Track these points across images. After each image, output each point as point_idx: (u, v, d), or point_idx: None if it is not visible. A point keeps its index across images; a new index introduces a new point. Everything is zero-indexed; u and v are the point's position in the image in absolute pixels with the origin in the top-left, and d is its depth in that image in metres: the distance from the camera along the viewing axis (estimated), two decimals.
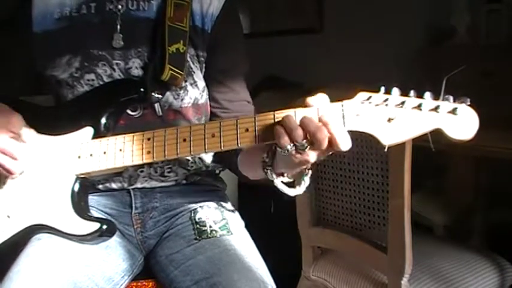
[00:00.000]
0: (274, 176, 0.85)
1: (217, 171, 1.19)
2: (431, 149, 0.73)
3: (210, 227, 1.05)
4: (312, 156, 0.77)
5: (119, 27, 1.03)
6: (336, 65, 3.15)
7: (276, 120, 0.79)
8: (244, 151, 1.01)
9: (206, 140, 0.84)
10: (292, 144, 0.76)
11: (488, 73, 2.37)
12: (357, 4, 3.17)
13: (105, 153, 0.93)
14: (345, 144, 0.75)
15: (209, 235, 1.03)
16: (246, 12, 3.86)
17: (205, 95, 1.10)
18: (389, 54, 2.96)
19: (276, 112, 0.79)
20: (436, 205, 2.03)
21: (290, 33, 3.69)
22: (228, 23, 1.08)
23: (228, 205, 1.16)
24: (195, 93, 1.07)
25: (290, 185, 0.86)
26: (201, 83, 1.08)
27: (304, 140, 0.76)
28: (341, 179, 1.36)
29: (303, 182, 0.85)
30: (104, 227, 0.96)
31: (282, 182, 0.85)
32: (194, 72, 1.06)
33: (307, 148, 0.76)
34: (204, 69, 1.08)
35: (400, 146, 1.13)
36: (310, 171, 0.84)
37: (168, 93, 1.03)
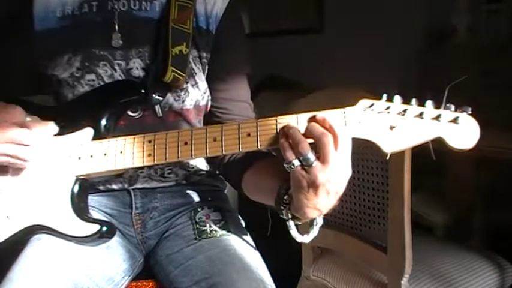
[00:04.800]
0: (289, 215, 0.83)
1: (217, 172, 1.19)
2: (431, 152, 0.74)
3: (210, 227, 1.05)
4: (320, 174, 0.74)
5: (117, 26, 1.03)
6: (336, 65, 3.15)
7: (278, 125, 0.79)
8: (253, 172, 1.00)
9: (208, 143, 0.84)
10: (297, 159, 0.76)
11: (488, 73, 2.36)
12: (357, 4, 3.17)
13: (105, 154, 0.92)
14: (345, 145, 0.75)
15: (209, 235, 1.03)
16: (246, 12, 3.86)
17: (206, 97, 1.09)
18: (389, 54, 2.95)
19: (278, 118, 0.79)
20: (436, 205, 2.03)
21: (290, 33, 3.68)
22: (231, 23, 1.08)
23: (228, 205, 1.16)
24: (196, 94, 1.06)
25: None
26: (203, 85, 1.07)
27: (310, 154, 0.75)
28: None
29: (311, 231, 0.84)
30: (104, 228, 0.96)
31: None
32: (196, 74, 1.05)
33: (314, 163, 0.75)
34: (206, 70, 1.08)
35: None
36: (320, 220, 0.83)
37: (168, 94, 1.03)
